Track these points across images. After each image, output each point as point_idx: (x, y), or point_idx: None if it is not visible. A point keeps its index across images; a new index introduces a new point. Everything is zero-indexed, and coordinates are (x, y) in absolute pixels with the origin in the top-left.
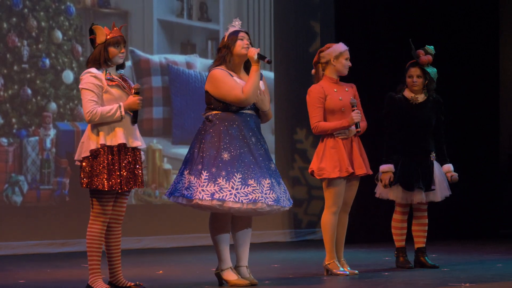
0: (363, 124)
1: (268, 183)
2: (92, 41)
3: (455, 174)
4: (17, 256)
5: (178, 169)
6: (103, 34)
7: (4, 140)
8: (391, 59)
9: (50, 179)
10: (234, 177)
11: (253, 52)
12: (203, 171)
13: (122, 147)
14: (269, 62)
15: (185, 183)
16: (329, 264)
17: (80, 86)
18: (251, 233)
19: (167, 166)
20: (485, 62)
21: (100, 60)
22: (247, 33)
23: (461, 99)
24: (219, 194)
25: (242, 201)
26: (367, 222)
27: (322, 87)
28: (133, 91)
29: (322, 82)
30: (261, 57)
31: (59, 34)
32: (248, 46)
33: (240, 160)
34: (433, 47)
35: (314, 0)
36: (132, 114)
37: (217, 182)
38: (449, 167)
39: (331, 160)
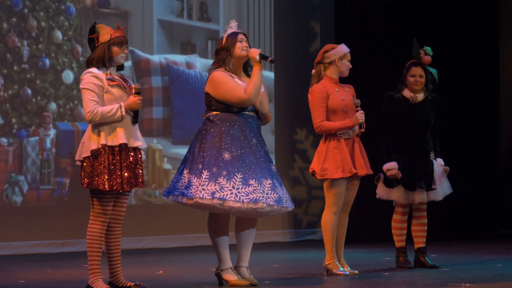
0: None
1: (269, 184)
2: (91, 40)
3: (446, 167)
4: (17, 256)
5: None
6: (107, 33)
7: (4, 140)
8: (391, 59)
9: (50, 179)
10: (235, 176)
11: (255, 53)
12: (203, 171)
13: (123, 147)
14: (272, 61)
15: (185, 182)
16: (329, 264)
17: (80, 86)
18: None
19: (167, 166)
20: (485, 62)
21: (105, 59)
22: (245, 34)
23: (461, 99)
24: (219, 193)
25: (243, 200)
26: (367, 222)
27: (325, 87)
28: (134, 91)
29: (324, 82)
30: (263, 57)
31: (59, 34)
32: (247, 48)
33: (241, 160)
34: (430, 48)
35: (314, 0)
36: (132, 114)
37: (218, 181)
38: (440, 161)
39: (334, 161)
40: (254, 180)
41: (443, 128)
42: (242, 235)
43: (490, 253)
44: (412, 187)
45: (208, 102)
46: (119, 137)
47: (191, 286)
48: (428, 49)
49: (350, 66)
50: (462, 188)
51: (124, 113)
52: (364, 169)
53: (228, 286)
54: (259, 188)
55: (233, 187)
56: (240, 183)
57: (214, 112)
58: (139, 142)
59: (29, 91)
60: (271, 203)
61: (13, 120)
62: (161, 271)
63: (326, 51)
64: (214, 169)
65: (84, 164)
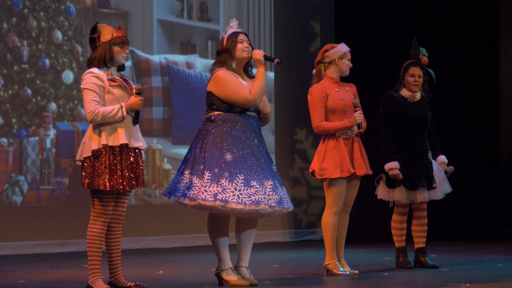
0: (364, 124)
1: (270, 185)
2: (92, 40)
3: (451, 166)
4: (17, 256)
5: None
6: (109, 32)
7: (4, 140)
8: (391, 59)
9: (50, 179)
10: (237, 178)
11: (259, 54)
12: (205, 171)
13: (124, 147)
14: (279, 63)
15: (186, 182)
16: (329, 264)
17: (81, 86)
18: None
19: (167, 166)
20: (485, 62)
21: (106, 58)
22: (246, 34)
23: (461, 99)
24: (222, 195)
25: (245, 202)
26: (367, 222)
27: (324, 87)
28: (135, 91)
29: (323, 82)
30: (268, 58)
31: (59, 34)
32: (248, 49)
33: (243, 161)
34: (425, 49)
35: (314, 0)
36: (133, 114)
37: (220, 182)
38: (444, 158)
39: (333, 161)
40: (255, 181)
41: (443, 129)
42: (242, 235)
43: (490, 253)
44: (413, 187)
45: (210, 102)
46: (120, 137)
47: (191, 286)
48: (423, 50)
49: (351, 65)
50: (462, 188)
51: (125, 113)
52: (363, 169)
53: (228, 286)
54: (260, 189)
55: (235, 189)
56: (242, 184)
57: (216, 112)
58: (140, 142)
59: (29, 91)
60: (272, 204)
61: (13, 120)
62: (161, 271)
63: (326, 51)
64: (216, 170)
65: (85, 164)
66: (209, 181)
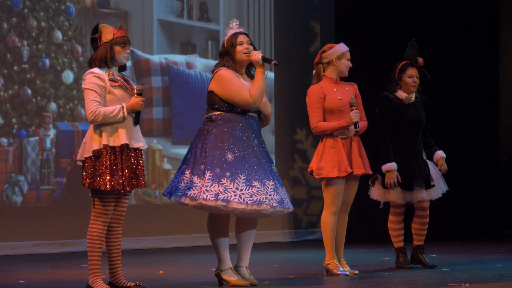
0: (364, 124)
1: (272, 185)
2: (94, 40)
3: (445, 165)
4: (17, 256)
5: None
6: (110, 32)
7: (4, 140)
8: (391, 59)
9: (50, 179)
10: (238, 178)
11: (257, 56)
12: (206, 171)
13: (125, 147)
14: (276, 65)
15: (187, 182)
16: (329, 264)
17: (83, 86)
18: None
19: (167, 166)
20: (485, 62)
21: (107, 58)
22: (246, 34)
23: (461, 99)
24: (223, 194)
25: (247, 202)
26: (367, 222)
27: (321, 87)
28: (135, 91)
29: (322, 82)
30: (266, 60)
31: (59, 34)
32: (248, 51)
33: (244, 161)
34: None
35: (314, 0)
36: (134, 115)
37: (221, 182)
38: (442, 153)
39: (330, 160)
40: (257, 181)
41: (444, 129)
42: (242, 235)
43: (490, 253)
44: (409, 187)
45: (211, 101)
46: (121, 137)
47: (191, 286)
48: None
49: (350, 65)
50: (462, 188)
51: (126, 114)
52: (361, 168)
53: (228, 286)
54: (262, 189)
55: (237, 189)
56: (244, 184)
57: (217, 112)
58: (141, 143)
59: (29, 91)
60: (274, 204)
61: (13, 120)
62: (161, 271)
63: (324, 51)
64: (217, 170)
65: (86, 164)
66: (210, 180)
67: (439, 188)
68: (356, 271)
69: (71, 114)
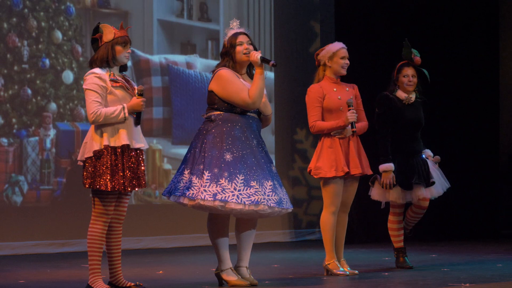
0: (363, 124)
1: (270, 185)
2: (94, 41)
3: (437, 156)
4: (17, 256)
5: None
6: (111, 32)
7: (4, 140)
8: (391, 59)
9: (50, 179)
10: (236, 178)
11: (256, 56)
12: (205, 171)
13: (126, 148)
14: (274, 65)
15: (185, 182)
16: (329, 264)
17: (84, 87)
18: None
19: (167, 166)
20: (485, 63)
21: (108, 58)
22: (246, 34)
23: (461, 99)
24: (221, 195)
25: (244, 202)
26: (367, 222)
27: (321, 87)
28: (136, 92)
29: (322, 82)
30: (264, 60)
31: (59, 34)
32: (248, 51)
33: (242, 162)
34: (416, 50)
35: (314, 0)
36: (135, 115)
37: (219, 182)
38: (429, 151)
39: (328, 160)
40: (255, 181)
41: (444, 129)
42: (242, 235)
43: (490, 253)
44: (408, 186)
45: (211, 101)
46: (122, 138)
47: (191, 286)
48: (415, 51)
49: (346, 62)
50: (462, 188)
51: (127, 114)
52: (358, 168)
53: (228, 286)
54: (260, 190)
55: (235, 189)
56: (242, 184)
57: (216, 112)
58: (141, 143)
59: (29, 91)
60: (272, 205)
61: (13, 120)
62: (161, 271)
63: (317, 54)
64: (216, 170)
65: (86, 164)
66: (208, 181)
67: (440, 185)
68: (356, 271)
69: (71, 114)
